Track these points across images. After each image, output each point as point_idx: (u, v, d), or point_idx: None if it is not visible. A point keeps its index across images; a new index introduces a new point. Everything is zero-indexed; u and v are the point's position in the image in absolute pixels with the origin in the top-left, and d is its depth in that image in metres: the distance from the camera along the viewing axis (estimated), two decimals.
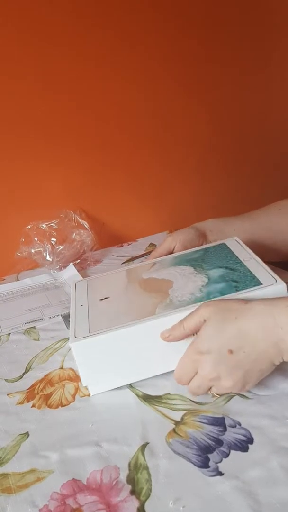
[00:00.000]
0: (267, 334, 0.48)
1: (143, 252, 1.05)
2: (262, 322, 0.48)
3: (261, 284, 0.56)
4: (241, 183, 1.32)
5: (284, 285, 0.55)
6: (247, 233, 0.77)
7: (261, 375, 0.50)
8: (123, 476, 0.45)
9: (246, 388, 0.51)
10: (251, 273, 0.59)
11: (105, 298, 0.64)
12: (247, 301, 0.51)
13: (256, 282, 0.57)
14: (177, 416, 0.52)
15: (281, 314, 0.48)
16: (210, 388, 0.51)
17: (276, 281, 0.56)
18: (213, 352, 0.49)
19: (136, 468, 0.46)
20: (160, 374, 0.58)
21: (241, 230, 0.78)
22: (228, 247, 0.68)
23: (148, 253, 1.04)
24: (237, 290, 0.56)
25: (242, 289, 0.56)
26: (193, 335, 0.53)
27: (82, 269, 0.99)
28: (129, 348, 0.56)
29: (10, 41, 0.92)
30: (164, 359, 0.57)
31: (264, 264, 0.60)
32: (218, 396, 0.52)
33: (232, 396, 0.53)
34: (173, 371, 0.57)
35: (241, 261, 0.63)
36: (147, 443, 0.49)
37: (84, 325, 0.58)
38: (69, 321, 0.76)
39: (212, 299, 0.55)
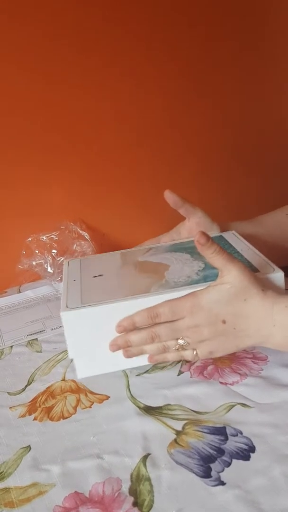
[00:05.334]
0: (261, 327, 0.53)
1: None
2: (261, 315, 0.52)
3: (259, 271, 0.56)
4: (240, 192, 1.32)
5: (282, 273, 0.56)
6: (258, 238, 0.76)
7: (234, 351, 0.55)
8: (125, 487, 0.45)
9: (212, 355, 0.55)
10: (248, 262, 0.59)
11: (99, 275, 0.63)
12: (263, 288, 0.53)
13: (254, 270, 0.57)
14: (178, 426, 0.52)
15: (279, 313, 0.52)
16: (177, 339, 0.55)
17: (274, 269, 0.57)
18: (212, 313, 0.53)
19: (138, 480, 0.46)
20: (161, 385, 0.58)
21: (252, 234, 0.76)
22: (225, 239, 0.68)
23: None
24: None
25: None
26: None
27: None
28: None
29: (11, 44, 0.93)
30: None
31: (262, 255, 0.61)
32: (181, 347, 0.55)
33: (233, 406, 0.53)
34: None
35: (238, 251, 0.63)
36: (148, 454, 0.48)
37: (77, 297, 0.57)
38: None
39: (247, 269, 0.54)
